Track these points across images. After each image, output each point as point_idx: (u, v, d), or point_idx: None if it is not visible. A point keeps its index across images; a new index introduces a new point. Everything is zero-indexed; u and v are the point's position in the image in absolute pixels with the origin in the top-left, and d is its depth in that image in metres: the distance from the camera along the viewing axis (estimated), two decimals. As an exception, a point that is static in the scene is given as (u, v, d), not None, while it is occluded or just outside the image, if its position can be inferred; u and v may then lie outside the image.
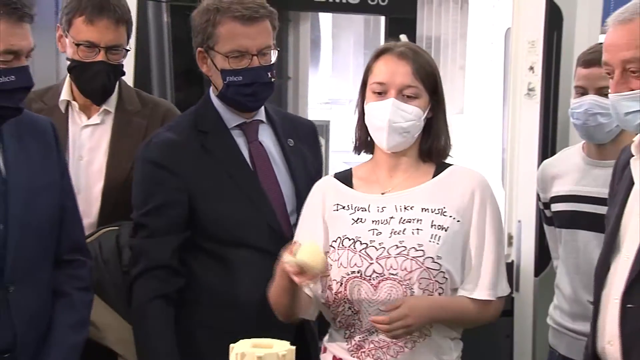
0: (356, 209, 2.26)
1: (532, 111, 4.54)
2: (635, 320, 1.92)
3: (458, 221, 2.22)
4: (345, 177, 2.35)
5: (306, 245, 2.02)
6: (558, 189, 2.98)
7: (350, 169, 2.39)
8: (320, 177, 2.56)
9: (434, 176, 2.30)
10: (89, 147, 2.63)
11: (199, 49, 2.46)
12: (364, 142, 2.33)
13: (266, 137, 2.56)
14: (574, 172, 2.94)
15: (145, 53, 3.53)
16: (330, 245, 2.24)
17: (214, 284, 2.42)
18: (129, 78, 3.44)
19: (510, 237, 4.74)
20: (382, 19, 4.27)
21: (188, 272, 2.43)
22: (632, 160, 2.07)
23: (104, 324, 2.48)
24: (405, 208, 2.24)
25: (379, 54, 2.28)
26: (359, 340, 2.22)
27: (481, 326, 4.48)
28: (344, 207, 2.27)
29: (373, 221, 2.23)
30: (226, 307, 2.41)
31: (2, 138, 2.11)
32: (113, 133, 2.72)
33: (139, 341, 2.42)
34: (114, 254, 2.52)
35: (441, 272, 2.18)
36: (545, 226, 3.22)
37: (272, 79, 2.49)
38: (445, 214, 2.22)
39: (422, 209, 2.23)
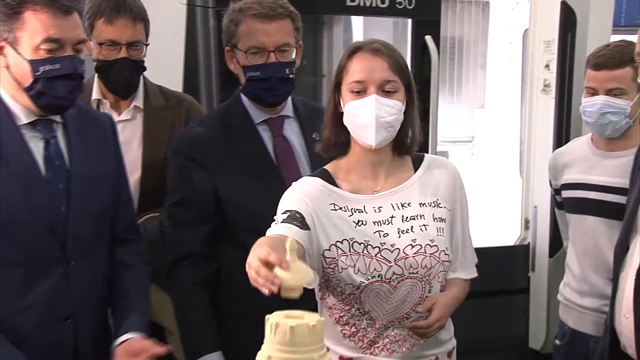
0: (353, 210, 2.07)
1: (547, 106, 4.57)
2: None
3: (449, 210, 2.13)
4: (328, 178, 2.12)
5: (300, 269, 1.67)
6: (568, 177, 2.98)
7: (325, 169, 2.16)
8: None
9: (415, 169, 2.16)
10: (122, 141, 2.56)
11: (226, 48, 2.44)
12: (334, 143, 2.13)
13: (292, 132, 2.49)
14: (583, 161, 2.93)
15: (194, 54, 3.55)
16: (336, 246, 2.04)
17: (238, 270, 2.29)
18: (178, 78, 3.51)
19: (527, 221, 4.76)
20: (409, 21, 4.23)
21: (219, 258, 2.40)
22: None
23: (154, 303, 2.47)
24: (402, 206, 2.09)
25: (352, 52, 2.08)
26: (373, 337, 2.08)
27: (499, 301, 4.55)
28: (340, 208, 2.07)
29: (374, 222, 2.06)
30: (248, 293, 2.29)
31: (67, 131, 2.16)
32: (144, 127, 2.75)
33: (181, 325, 2.40)
34: (159, 237, 2.54)
35: (449, 261, 2.10)
36: (556, 210, 3.21)
37: (291, 76, 2.40)
38: (440, 205, 2.11)
39: (420, 204, 2.10)
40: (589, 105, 2.81)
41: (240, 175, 2.37)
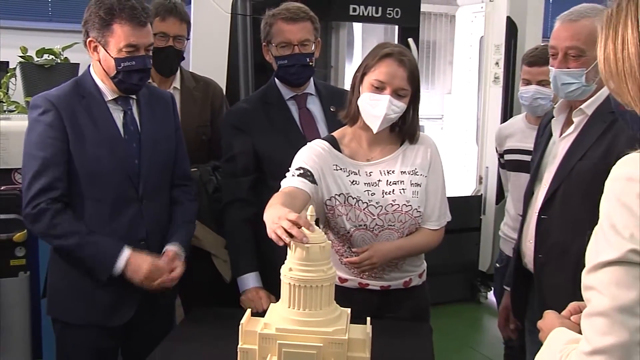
0: (349, 172, 2.04)
1: (497, 93, 4.62)
2: (544, 226, 1.96)
3: (425, 176, 2.07)
4: (334, 143, 2.09)
5: (319, 232, 1.59)
6: (509, 144, 2.99)
7: (333, 135, 2.12)
8: None
9: (401, 144, 2.10)
10: None
11: (263, 44, 2.43)
12: (352, 115, 2.07)
13: (313, 105, 2.46)
14: (520, 133, 2.95)
15: (235, 52, 3.54)
16: (335, 197, 2.02)
17: None
18: (224, 69, 3.50)
19: (480, 178, 4.79)
20: (396, 27, 4.24)
21: (259, 203, 2.32)
22: (553, 120, 2.06)
23: (201, 235, 2.49)
24: (388, 172, 2.05)
25: (383, 56, 1.99)
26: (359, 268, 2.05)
27: (458, 237, 4.57)
28: (341, 169, 2.04)
29: (365, 183, 2.04)
30: None
31: (139, 105, 2.19)
32: (181, 103, 2.75)
33: (230, 252, 2.39)
34: (201, 187, 2.53)
35: (421, 216, 2.05)
36: (500, 170, 3.23)
37: (311, 63, 2.38)
38: (417, 173, 2.06)
39: (401, 171, 2.05)
40: (524, 92, 2.82)
41: (273, 137, 2.36)
